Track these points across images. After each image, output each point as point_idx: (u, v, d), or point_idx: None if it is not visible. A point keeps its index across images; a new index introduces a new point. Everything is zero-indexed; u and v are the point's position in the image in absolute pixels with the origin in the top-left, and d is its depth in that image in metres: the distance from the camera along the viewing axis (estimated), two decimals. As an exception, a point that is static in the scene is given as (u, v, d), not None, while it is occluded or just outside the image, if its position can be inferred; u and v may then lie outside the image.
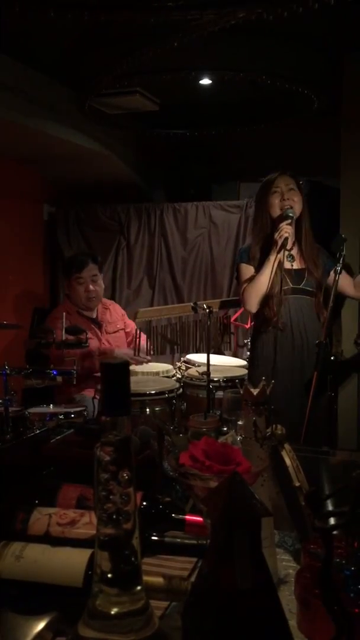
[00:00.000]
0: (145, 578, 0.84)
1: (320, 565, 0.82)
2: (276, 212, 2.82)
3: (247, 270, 2.89)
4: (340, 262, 2.57)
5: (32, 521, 1.05)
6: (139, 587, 0.77)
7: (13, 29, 2.94)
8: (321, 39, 3.37)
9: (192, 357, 3.85)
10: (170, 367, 3.74)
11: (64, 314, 3.16)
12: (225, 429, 1.51)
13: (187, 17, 2.47)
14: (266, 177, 2.92)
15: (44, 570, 0.96)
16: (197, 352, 3.95)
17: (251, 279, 2.85)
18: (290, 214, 2.76)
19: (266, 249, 2.82)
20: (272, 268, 2.74)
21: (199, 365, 3.62)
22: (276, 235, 2.74)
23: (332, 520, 0.88)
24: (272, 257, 2.75)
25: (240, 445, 1.18)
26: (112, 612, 0.75)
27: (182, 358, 3.93)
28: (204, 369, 3.15)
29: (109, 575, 0.75)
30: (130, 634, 0.74)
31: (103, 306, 3.93)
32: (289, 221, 2.74)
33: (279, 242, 2.73)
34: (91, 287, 3.74)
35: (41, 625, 0.88)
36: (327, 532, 0.78)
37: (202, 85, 3.77)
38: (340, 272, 2.57)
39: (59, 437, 1.70)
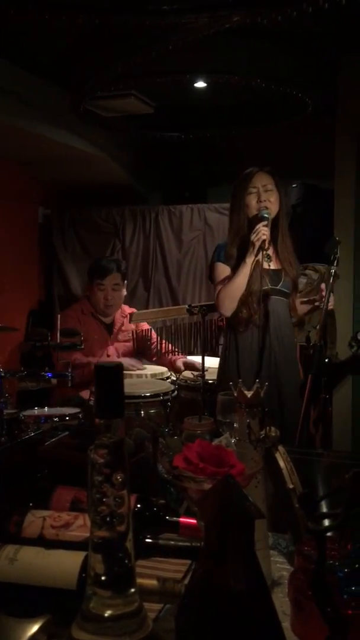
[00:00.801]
0: (139, 580, 0.84)
1: (314, 567, 0.82)
2: (252, 213, 2.77)
3: (223, 270, 2.82)
4: (335, 264, 2.57)
5: (26, 524, 1.05)
6: (132, 590, 0.77)
7: (8, 31, 2.94)
8: (315, 42, 3.38)
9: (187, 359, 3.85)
10: (165, 369, 3.74)
11: (59, 316, 3.16)
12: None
13: (181, 21, 2.48)
14: (244, 172, 2.84)
15: (38, 573, 0.96)
16: (192, 355, 3.95)
17: (225, 280, 2.78)
18: (266, 215, 2.70)
19: (242, 249, 2.76)
20: (247, 272, 2.69)
21: (194, 368, 3.62)
22: (253, 237, 2.67)
23: (326, 522, 0.89)
24: (248, 260, 2.70)
25: (234, 447, 1.18)
26: (106, 615, 0.74)
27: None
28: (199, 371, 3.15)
29: (103, 578, 0.75)
30: (124, 637, 0.74)
31: (122, 314, 3.91)
32: (265, 222, 2.68)
33: (257, 245, 2.67)
34: (110, 295, 3.73)
35: (35, 628, 0.88)
36: (320, 534, 0.78)
37: (197, 88, 3.78)
38: (334, 276, 2.56)
39: (53, 439, 1.70)
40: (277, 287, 2.79)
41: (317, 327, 2.67)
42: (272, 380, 2.72)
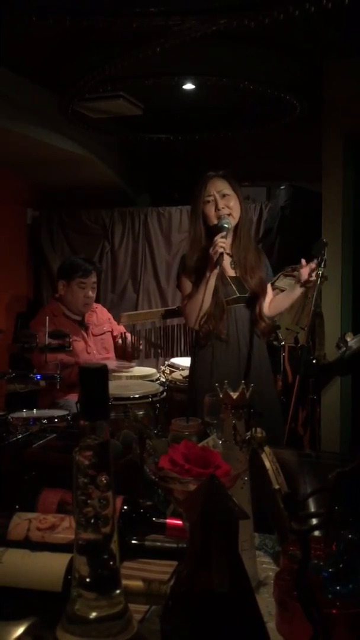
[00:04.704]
0: (125, 582, 0.84)
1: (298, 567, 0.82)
2: (212, 222, 2.63)
3: (185, 283, 2.69)
4: (322, 266, 2.57)
5: (12, 526, 1.05)
6: (117, 591, 0.77)
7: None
8: (303, 46, 3.40)
9: (176, 360, 3.86)
10: (154, 370, 3.74)
11: (47, 317, 3.15)
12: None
13: (168, 23, 2.48)
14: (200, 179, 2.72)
15: (24, 575, 0.96)
16: (181, 356, 3.96)
17: (191, 295, 2.64)
18: (226, 225, 2.56)
19: (202, 261, 2.60)
20: (209, 286, 2.54)
21: (183, 369, 3.63)
22: (211, 251, 2.50)
23: (313, 522, 0.89)
24: (208, 274, 2.53)
25: (221, 448, 1.19)
26: (91, 617, 0.75)
27: (166, 362, 3.93)
28: (188, 372, 3.15)
29: (87, 580, 0.75)
30: (108, 638, 0.74)
31: (90, 309, 3.94)
32: (224, 233, 2.53)
33: (214, 258, 2.49)
34: (90, 293, 3.77)
35: (20, 630, 0.87)
36: (303, 534, 0.79)
37: (186, 90, 3.79)
38: (322, 277, 2.55)
39: (41, 441, 1.70)
40: (246, 295, 2.67)
41: (305, 328, 2.67)
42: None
